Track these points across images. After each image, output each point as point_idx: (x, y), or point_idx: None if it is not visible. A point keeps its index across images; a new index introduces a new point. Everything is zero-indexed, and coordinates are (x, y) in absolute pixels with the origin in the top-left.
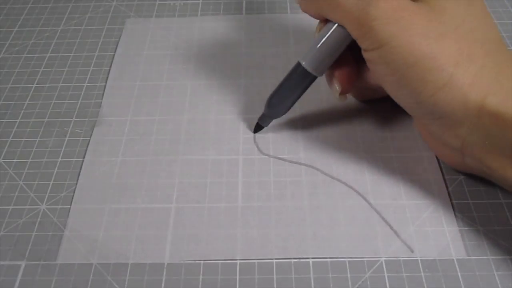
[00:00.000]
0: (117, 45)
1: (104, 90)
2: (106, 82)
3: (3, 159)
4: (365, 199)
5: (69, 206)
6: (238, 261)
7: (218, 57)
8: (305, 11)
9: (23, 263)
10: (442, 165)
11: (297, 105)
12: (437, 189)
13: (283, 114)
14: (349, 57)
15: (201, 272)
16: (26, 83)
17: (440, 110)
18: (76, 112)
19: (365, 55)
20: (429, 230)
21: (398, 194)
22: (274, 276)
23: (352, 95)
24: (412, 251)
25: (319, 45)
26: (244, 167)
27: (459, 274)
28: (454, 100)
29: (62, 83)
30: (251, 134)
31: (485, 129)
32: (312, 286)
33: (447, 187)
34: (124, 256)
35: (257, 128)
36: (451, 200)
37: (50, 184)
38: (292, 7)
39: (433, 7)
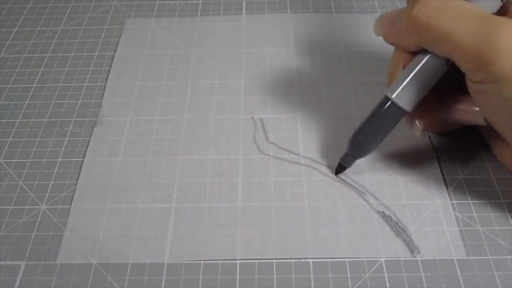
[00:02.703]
0: (117, 45)
1: (104, 90)
2: (106, 82)
3: (3, 159)
4: (365, 199)
5: (69, 206)
6: (238, 261)
7: (218, 57)
8: (399, 45)
9: (23, 263)
10: (442, 165)
11: (297, 105)
12: (437, 189)
13: (369, 154)
14: (431, 92)
15: (201, 272)
16: (26, 83)
17: None
18: (76, 112)
19: (476, 87)
20: (429, 230)
21: (398, 194)
22: (274, 276)
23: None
24: (419, 253)
25: (410, 77)
26: (244, 167)
27: (459, 274)
28: None
29: (62, 83)
30: (251, 134)
31: None
32: (312, 286)
33: (447, 187)
34: (124, 256)
35: (340, 169)
36: (451, 200)
37: (50, 184)
38: (292, 7)
39: None
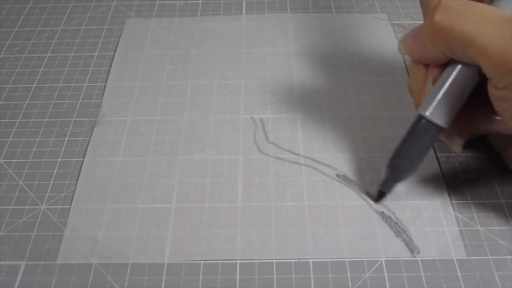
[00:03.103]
0: (117, 45)
1: (104, 90)
2: (106, 82)
3: (3, 159)
4: (365, 199)
5: (69, 206)
6: (238, 261)
7: (218, 57)
8: (426, 56)
9: (23, 263)
10: (442, 165)
11: (297, 105)
12: (437, 189)
13: (409, 176)
14: (464, 105)
15: (201, 272)
16: (26, 83)
17: None
18: (76, 112)
19: (499, 93)
20: (429, 230)
21: (398, 194)
22: (274, 276)
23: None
24: (419, 253)
25: (443, 91)
26: (244, 167)
27: (459, 274)
28: None
29: (62, 83)
30: (251, 134)
31: None
32: (312, 286)
33: (447, 187)
34: (124, 256)
35: (380, 196)
36: (451, 200)
37: (50, 184)
38: (292, 7)
39: None
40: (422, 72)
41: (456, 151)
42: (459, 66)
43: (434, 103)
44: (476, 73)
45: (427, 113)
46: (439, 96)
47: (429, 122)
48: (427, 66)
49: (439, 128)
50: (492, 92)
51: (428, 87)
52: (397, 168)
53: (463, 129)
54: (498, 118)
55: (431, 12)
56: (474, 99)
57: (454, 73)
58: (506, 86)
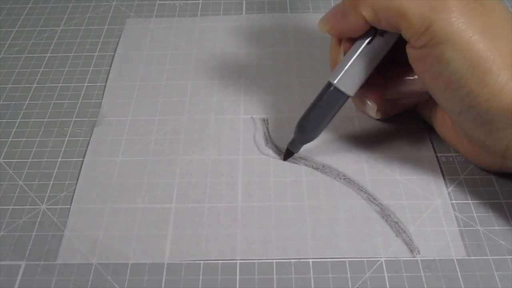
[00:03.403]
0: (117, 45)
1: (104, 90)
2: (106, 82)
3: (3, 159)
4: (365, 199)
5: (69, 206)
6: (238, 261)
7: (218, 57)
8: (347, 28)
9: (23, 263)
10: (442, 165)
11: (297, 105)
12: (437, 189)
13: (315, 138)
14: (375, 74)
15: (201, 272)
16: (26, 83)
17: (491, 115)
18: (76, 112)
19: (418, 53)
20: (429, 230)
21: (398, 194)
22: (274, 276)
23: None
24: (419, 253)
25: (351, 63)
26: (244, 167)
27: (459, 274)
28: (507, 106)
29: (62, 83)
30: (251, 134)
31: None
32: (312, 286)
33: (447, 187)
34: (124, 256)
35: (288, 154)
36: (451, 200)
37: (50, 184)
38: (292, 7)
39: (484, 6)
40: (338, 47)
41: (372, 117)
42: (367, 40)
43: (341, 72)
44: (382, 45)
45: (335, 81)
46: (346, 66)
47: (336, 89)
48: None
49: (345, 96)
50: (411, 53)
51: (340, 57)
52: (304, 130)
53: (375, 95)
54: (410, 78)
55: None
56: (388, 67)
57: (362, 46)
58: (424, 45)
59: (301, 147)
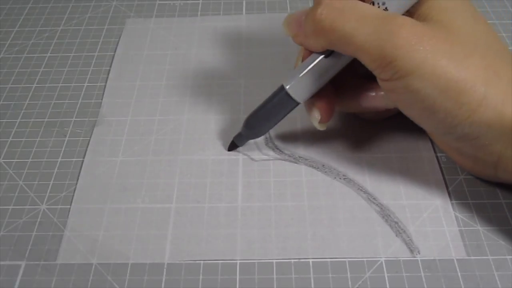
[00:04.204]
0: (117, 45)
1: (104, 90)
2: (106, 82)
3: (3, 159)
4: (365, 199)
5: (69, 206)
6: (238, 261)
7: (218, 57)
8: (307, 46)
9: (23, 263)
10: (442, 165)
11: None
12: (437, 189)
13: (261, 136)
14: (329, 86)
15: (201, 272)
16: (26, 83)
17: (475, 131)
18: (76, 112)
19: (386, 85)
20: (429, 230)
21: (398, 194)
22: (274, 276)
23: (361, 116)
24: (419, 253)
25: (305, 72)
26: (244, 167)
27: (459, 274)
28: (490, 119)
29: (62, 83)
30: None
31: None
32: (312, 286)
33: (447, 187)
34: (124, 256)
35: (232, 146)
36: (451, 200)
37: (50, 184)
38: (292, 7)
39: (449, 28)
40: (303, 49)
41: (315, 125)
42: (324, 54)
43: (295, 79)
44: (342, 61)
45: (287, 87)
46: (301, 74)
47: (287, 94)
48: None
49: (295, 102)
50: (380, 83)
51: (298, 63)
52: (251, 127)
53: (323, 105)
54: (372, 94)
55: (314, 9)
56: (346, 79)
57: (318, 58)
58: (389, 78)
59: (246, 142)
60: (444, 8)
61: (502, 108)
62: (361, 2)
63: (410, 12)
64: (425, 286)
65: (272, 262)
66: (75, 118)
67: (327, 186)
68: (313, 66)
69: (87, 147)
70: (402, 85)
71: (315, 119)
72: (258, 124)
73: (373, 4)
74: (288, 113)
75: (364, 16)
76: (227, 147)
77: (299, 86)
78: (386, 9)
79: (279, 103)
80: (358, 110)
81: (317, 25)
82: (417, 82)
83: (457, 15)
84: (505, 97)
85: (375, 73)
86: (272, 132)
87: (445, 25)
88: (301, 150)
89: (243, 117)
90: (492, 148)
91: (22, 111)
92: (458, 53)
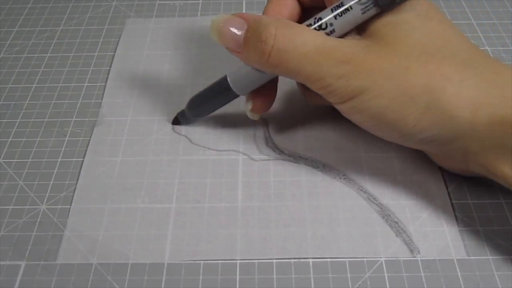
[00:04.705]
0: (117, 45)
1: (104, 90)
2: (106, 82)
3: (3, 159)
4: (365, 199)
5: (69, 206)
6: (238, 261)
7: (218, 57)
8: (248, 63)
9: (23, 263)
10: None
11: (297, 105)
12: (437, 189)
13: (200, 118)
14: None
15: (201, 272)
16: (26, 83)
17: (428, 135)
18: (76, 112)
19: (336, 106)
20: (429, 230)
21: (398, 194)
22: (274, 276)
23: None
24: (419, 253)
25: (249, 72)
26: (244, 167)
27: (459, 274)
28: (440, 121)
29: (62, 83)
30: (252, 134)
31: (482, 138)
32: (312, 286)
33: (447, 187)
34: (124, 256)
35: (175, 121)
36: (451, 200)
37: (50, 184)
38: None
39: (390, 42)
40: None
41: (247, 115)
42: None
43: (237, 73)
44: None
45: (229, 78)
46: (243, 70)
47: (228, 85)
48: None
49: (234, 94)
50: (336, 107)
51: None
52: (192, 107)
53: (257, 99)
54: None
55: (258, 42)
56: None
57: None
58: (335, 103)
59: (189, 122)
60: (389, 22)
61: (453, 110)
62: (304, 31)
63: (358, 29)
64: (425, 286)
65: (272, 262)
66: (75, 118)
67: (327, 186)
68: (254, 71)
69: (87, 147)
70: (349, 107)
71: (247, 108)
72: (198, 106)
73: (320, 27)
74: (228, 101)
75: (306, 52)
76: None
77: (239, 81)
78: (333, 30)
79: (220, 91)
80: (325, 104)
81: (262, 59)
82: (360, 104)
83: (402, 27)
84: (456, 99)
85: (324, 96)
86: (272, 132)
87: (387, 40)
88: (301, 150)
89: (243, 117)
90: (453, 145)
91: (22, 111)
92: (397, 70)
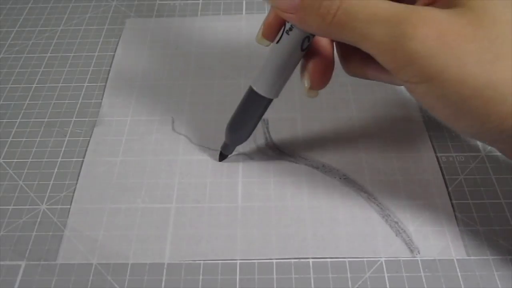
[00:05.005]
0: (117, 45)
1: (104, 90)
2: (106, 82)
3: (3, 159)
4: (365, 199)
5: (69, 206)
6: (238, 261)
7: (218, 57)
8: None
9: (23, 263)
10: (442, 165)
11: (297, 105)
12: (437, 189)
13: (246, 139)
14: (326, 46)
15: (201, 272)
16: (26, 83)
17: (509, 134)
18: (76, 112)
19: (405, 85)
20: (429, 230)
21: (398, 194)
22: (274, 276)
23: (346, 71)
24: (419, 253)
25: (269, 67)
26: (244, 167)
27: (459, 274)
28: None
29: (62, 83)
30: (252, 134)
31: None
32: (312, 286)
33: (447, 187)
34: (124, 256)
35: (221, 157)
36: (451, 200)
37: (50, 184)
38: None
39: (481, 18)
40: None
41: (305, 91)
42: (276, 40)
43: (259, 77)
44: (293, 41)
45: (254, 87)
46: (263, 71)
47: (256, 93)
48: None
49: (267, 99)
50: (402, 84)
51: (264, 62)
52: (233, 133)
53: (317, 77)
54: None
55: (330, 14)
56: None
57: (277, 51)
58: (407, 81)
59: (233, 149)
60: None
61: None
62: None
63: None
64: (425, 286)
65: (272, 262)
66: (75, 118)
67: (327, 186)
68: (270, 59)
69: (87, 147)
70: (424, 89)
71: (304, 86)
72: (239, 130)
73: None
74: (264, 111)
75: (376, 16)
76: (217, 157)
77: (265, 83)
78: None
79: (252, 103)
80: (366, 78)
81: (325, 20)
82: (438, 89)
83: (495, 1)
84: None
85: (394, 73)
86: (272, 132)
87: (477, 14)
88: (301, 150)
89: None
90: None
91: (22, 111)
92: (487, 54)
